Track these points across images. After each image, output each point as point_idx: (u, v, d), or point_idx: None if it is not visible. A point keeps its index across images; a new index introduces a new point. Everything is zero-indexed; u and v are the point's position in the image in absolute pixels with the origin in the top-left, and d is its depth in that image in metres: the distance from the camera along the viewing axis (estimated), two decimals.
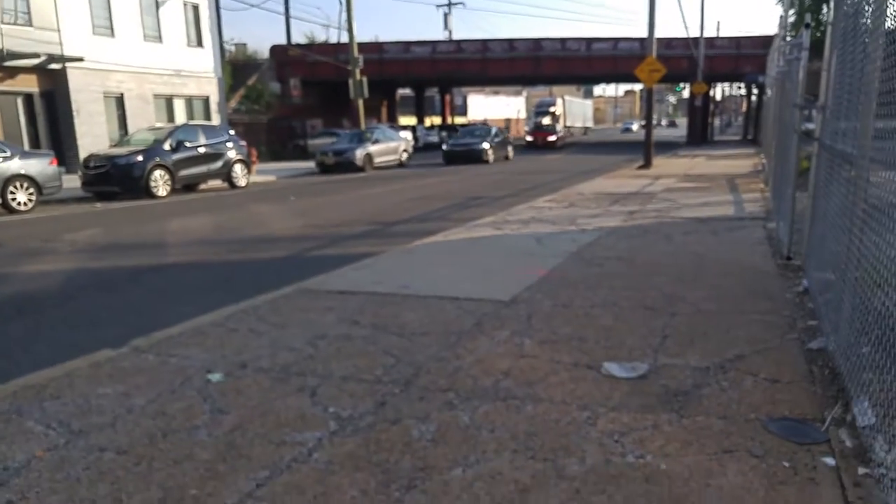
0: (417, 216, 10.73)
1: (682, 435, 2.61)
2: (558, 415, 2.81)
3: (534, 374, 3.27)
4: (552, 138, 40.44)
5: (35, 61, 19.42)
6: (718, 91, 55.63)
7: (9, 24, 18.71)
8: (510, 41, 37.23)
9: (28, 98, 20.09)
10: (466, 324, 4.15)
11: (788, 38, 7.54)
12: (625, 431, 2.65)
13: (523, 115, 70.25)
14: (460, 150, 24.91)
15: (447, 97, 51.21)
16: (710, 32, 36.01)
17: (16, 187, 12.45)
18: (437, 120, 50.33)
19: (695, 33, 29.66)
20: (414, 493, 2.26)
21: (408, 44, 37.72)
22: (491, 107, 64.20)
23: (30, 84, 19.98)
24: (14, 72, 19.37)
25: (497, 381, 3.20)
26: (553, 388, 3.10)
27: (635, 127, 66.65)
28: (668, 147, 30.63)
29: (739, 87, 59.24)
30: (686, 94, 41.74)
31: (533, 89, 73.87)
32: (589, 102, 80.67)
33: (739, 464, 2.39)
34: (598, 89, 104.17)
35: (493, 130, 26.75)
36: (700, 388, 3.06)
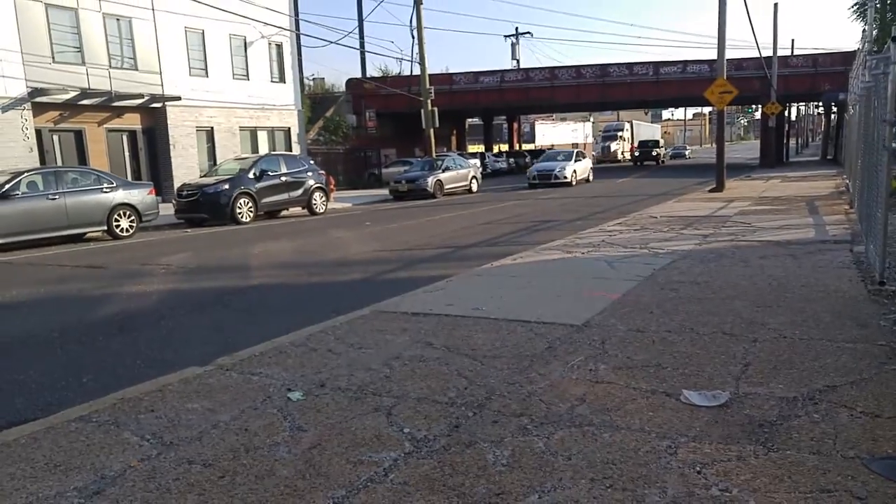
0: (487, 240, 10.78)
1: (771, 469, 2.47)
2: (637, 443, 2.74)
3: (610, 401, 3.21)
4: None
5: (139, 101, 21.16)
6: (793, 111, 53.30)
7: (117, 68, 20.54)
8: (577, 68, 37.13)
9: (132, 134, 21.90)
10: (538, 347, 4.12)
11: (873, 53, 7.19)
12: (707, 462, 2.54)
13: (591, 139, 69.71)
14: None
15: (515, 125, 51.49)
16: (784, 51, 34.63)
17: (119, 215, 13.50)
18: (504, 147, 50.63)
19: (767, 53, 28.54)
20: None
21: (477, 74, 38.29)
22: (558, 133, 64.05)
23: (134, 122, 21.79)
24: (121, 111, 21.17)
25: (572, 407, 3.16)
26: (630, 416, 3.02)
27: (688, 152, 64.12)
28: (740, 169, 29.51)
29: (817, 107, 56.53)
30: (758, 115, 40.22)
31: (600, 114, 73.19)
32: (657, 126, 79.03)
33: None
34: (667, 112, 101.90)
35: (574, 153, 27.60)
36: (788, 419, 2.90)
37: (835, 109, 38.03)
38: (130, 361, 4.76)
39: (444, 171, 23.35)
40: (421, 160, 26.19)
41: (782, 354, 3.76)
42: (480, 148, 46.01)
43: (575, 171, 25.32)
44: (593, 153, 64.41)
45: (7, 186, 11.97)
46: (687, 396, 3.19)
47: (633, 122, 64.78)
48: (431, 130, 26.33)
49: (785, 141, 42.88)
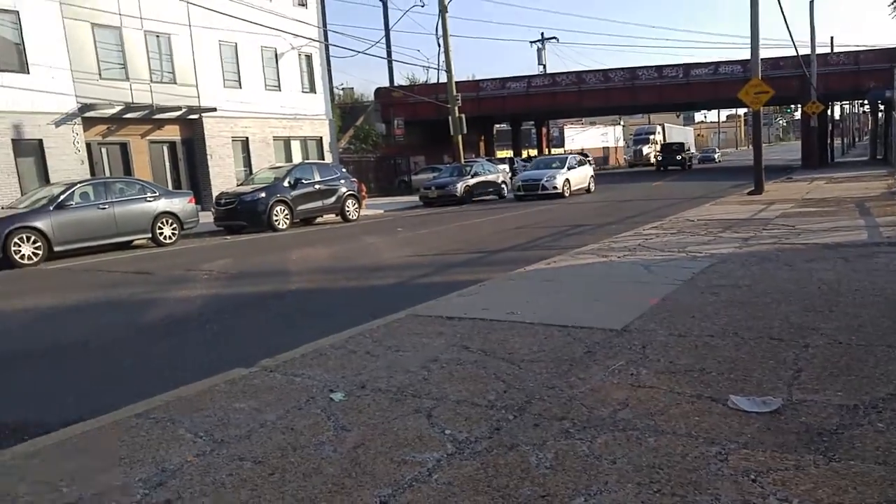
0: (519, 244, 10.75)
1: (834, 479, 2.37)
2: (684, 448, 2.69)
3: (653, 406, 3.17)
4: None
5: (178, 113, 21.76)
6: (837, 110, 51.85)
7: (157, 82, 21.19)
8: (605, 72, 36.90)
9: (172, 145, 22.54)
10: (577, 352, 4.09)
11: None
12: (762, 470, 2.47)
13: (621, 143, 69.14)
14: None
15: (543, 129, 51.35)
16: (823, 49, 33.86)
17: (162, 223, 13.89)
18: (533, 152, 50.53)
19: (805, 51, 27.87)
20: None
21: (503, 80, 38.30)
22: (588, 137, 63.70)
23: (173, 133, 22.42)
24: (161, 123, 21.81)
25: (614, 411, 3.13)
26: (675, 421, 2.97)
27: (718, 156, 60.19)
28: (780, 171, 28.85)
29: (862, 105, 54.93)
30: (798, 115, 39.33)
31: (630, 118, 72.53)
32: (690, 129, 77.97)
33: None
34: (700, 115, 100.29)
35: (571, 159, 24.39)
36: (849, 428, 2.79)
37: (882, 107, 36.91)
38: (180, 363, 4.88)
39: (472, 177, 23.41)
40: (449, 166, 26.26)
41: (838, 361, 3.63)
42: (509, 153, 45.96)
43: (568, 181, 22.35)
44: (625, 157, 63.94)
45: (62, 197, 12.46)
46: (735, 402, 3.12)
47: (665, 125, 64.14)
48: (459, 137, 26.43)
49: (829, 141, 41.70)
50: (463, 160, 26.44)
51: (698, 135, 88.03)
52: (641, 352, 4.02)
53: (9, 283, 9.78)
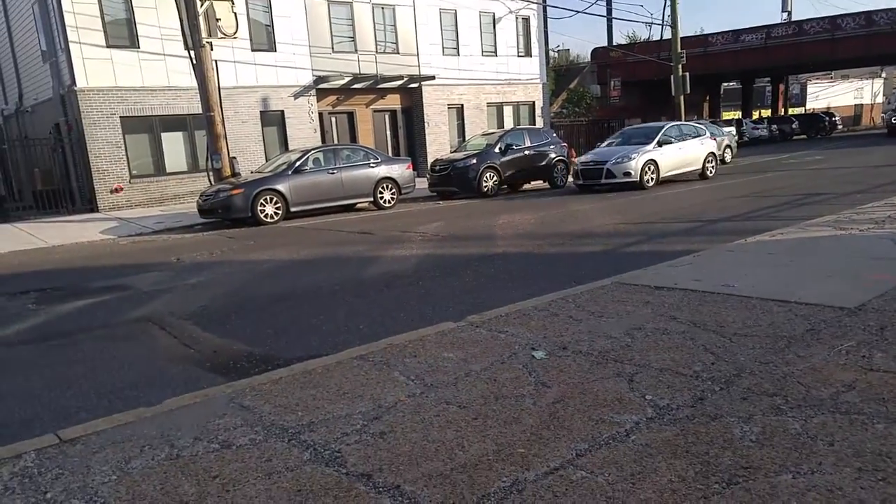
0: (741, 214, 9.92)
1: None
2: None
3: (887, 391, 2.84)
4: None
5: (399, 83, 23.34)
6: None
7: (381, 53, 22.89)
8: (867, 14, 31.46)
9: (392, 114, 24.30)
10: (798, 329, 3.77)
11: None
12: None
13: (881, 99, 58.53)
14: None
15: (780, 86, 45.51)
16: None
17: (383, 188, 15.20)
18: (766, 112, 45.22)
19: None
20: (735, 489, 2.21)
21: (736, 33, 34.65)
22: (836, 93, 55.01)
23: (394, 102, 24.13)
24: (384, 93, 23.58)
25: (837, 393, 2.87)
26: None
27: None
28: None
29: None
30: None
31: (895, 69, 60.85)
32: None
33: None
34: None
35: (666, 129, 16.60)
36: None
37: None
38: (395, 313, 5.46)
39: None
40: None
41: None
42: (737, 114, 41.78)
43: (654, 164, 15.33)
44: (882, 115, 54.10)
45: (298, 163, 14.27)
46: None
47: None
48: (681, 97, 24.69)
49: None
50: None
51: None
52: (878, 333, 3.59)
53: (256, 238, 11.56)
